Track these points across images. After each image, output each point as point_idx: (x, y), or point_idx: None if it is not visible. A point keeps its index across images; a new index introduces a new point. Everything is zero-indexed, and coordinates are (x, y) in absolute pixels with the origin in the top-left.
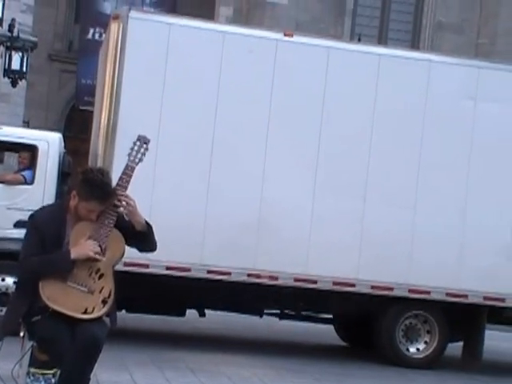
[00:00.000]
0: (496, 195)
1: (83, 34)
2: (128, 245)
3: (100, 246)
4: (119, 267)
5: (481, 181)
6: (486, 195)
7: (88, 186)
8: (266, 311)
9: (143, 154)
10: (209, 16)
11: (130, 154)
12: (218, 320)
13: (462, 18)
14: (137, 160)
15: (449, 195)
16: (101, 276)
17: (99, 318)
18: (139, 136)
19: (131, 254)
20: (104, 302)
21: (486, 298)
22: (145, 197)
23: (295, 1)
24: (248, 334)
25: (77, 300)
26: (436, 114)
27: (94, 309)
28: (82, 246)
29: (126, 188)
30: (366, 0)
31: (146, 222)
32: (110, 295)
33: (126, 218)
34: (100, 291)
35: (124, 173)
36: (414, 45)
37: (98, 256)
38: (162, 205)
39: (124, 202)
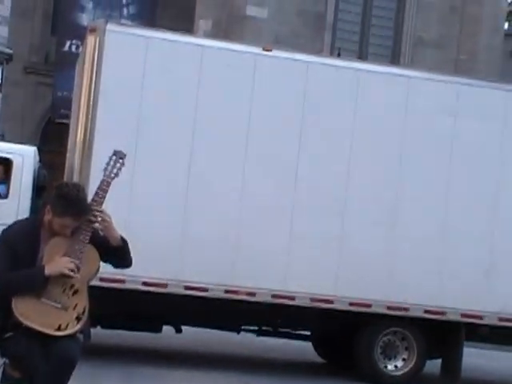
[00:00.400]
0: (475, 212)
1: (60, 46)
2: (103, 261)
3: (75, 262)
4: (95, 283)
5: (460, 198)
6: (466, 212)
7: (63, 201)
8: (243, 327)
9: (119, 169)
10: (188, 29)
11: (105, 169)
12: (194, 336)
13: (442, 33)
14: (112, 175)
15: (428, 212)
16: (75, 292)
17: (73, 335)
18: (115, 151)
19: (108, 269)
20: (78, 318)
21: (464, 316)
22: (121, 212)
23: (275, 15)
24: (225, 351)
25: (50, 316)
26: (415, 130)
27: (67, 325)
28: (56, 262)
29: (101, 203)
30: (346, 15)
31: (122, 237)
32: (84, 312)
33: (102, 234)
34: (74, 308)
35: (100, 188)
36: (394, 60)
37: (72, 274)
38: (139, 220)
39: (99, 218)
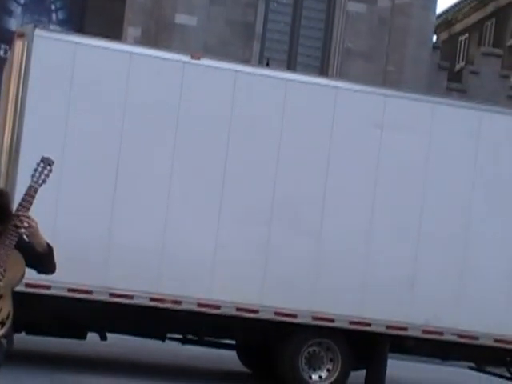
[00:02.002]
0: (400, 224)
1: None
2: (27, 266)
3: (0, 267)
4: (21, 288)
5: (385, 208)
6: (390, 223)
7: None
8: (168, 336)
9: (47, 176)
10: (117, 36)
11: (33, 176)
12: (119, 344)
13: (371, 45)
14: (40, 181)
15: (354, 223)
16: None
17: None
18: (43, 157)
19: (32, 275)
20: (2, 323)
21: (388, 327)
22: (48, 218)
23: (204, 23)
24: (150, 359)
25: None
26: (342, 141)
27: None
28: None
29: (28, 209)
30: (275, 24)
31: (48, 243)
32: (8, 317)
33: (27, 239)
34: None
35: (26, 193)
36: (323, 70)
37: None
38: (64, 226)
39: (25, 223)
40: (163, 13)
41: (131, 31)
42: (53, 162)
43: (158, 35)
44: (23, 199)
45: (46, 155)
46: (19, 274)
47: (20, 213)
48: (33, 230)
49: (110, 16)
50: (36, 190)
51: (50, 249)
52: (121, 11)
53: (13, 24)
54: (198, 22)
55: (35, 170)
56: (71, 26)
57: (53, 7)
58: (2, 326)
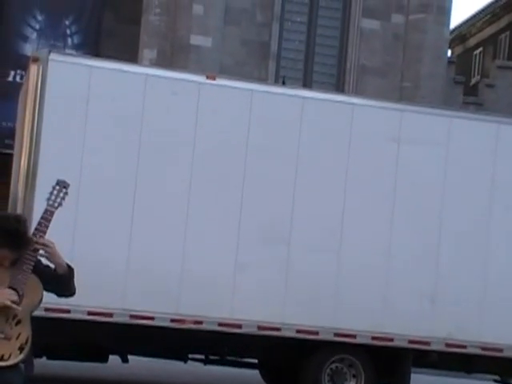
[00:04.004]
0: (420, 239)
1: (4, 77)
2: (46, 290)
3: (18, 292)
4: (41, 313)
5: (405, 224)
6: (410, 239)
7: (2, 233)
8: (190, 356)
9: (62, 199)
10: (133, 59)
11: (48, 199)
12: (141, 366)
13: (386, 61)
14: (56, 204)
15: (373, 239)
16: (18, 322)
17: (15, 365)
18: (58, 180)
19: (52, 299)
20: (21, 348)
21: (410, 342)
22: (66, 241)
23: (219, 44)
24: (172, 380)
25: None
26: (359, 156)
27: (10, 355)
28: None
29: (44, 232)
30: (290, 43)
31: (68, 264)
32: (27, 342)
33: (44, 262)
34: (17, 337)
35: (43, 217)
36: (339, 88)
37: (14, 306)
38: (83, 249)
39: (42, 246)
40: (178, 34)
41: (147, 53)
42: (68, 185)
43: (173, 57)
44: (39, 223)
45: (61, 178)
46: (37, 299)
47: (36, 237)
48: (50, 249)
49: (126, 39)
50: (52, 214)
51: (70, 270)
52: (136, 34)
53: (28, 49)
54: (213, 43)
55: (51, 193)
56: (87, 49)
57: (68, 32)
58: (21, 352)
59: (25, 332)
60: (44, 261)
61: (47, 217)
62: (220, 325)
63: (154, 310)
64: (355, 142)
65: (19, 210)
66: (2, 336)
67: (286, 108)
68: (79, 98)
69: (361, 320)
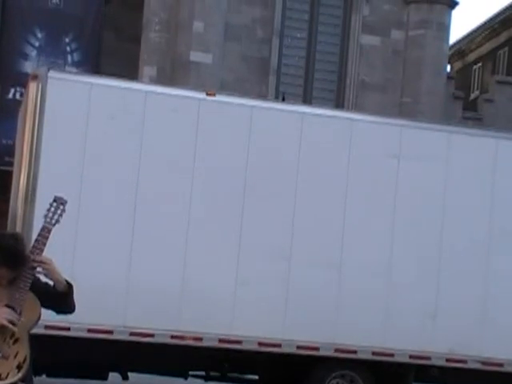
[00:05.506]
0: (420, 254)
1: (4, 94)
2: (45, 307)
3: (15, 311)
4: (40, 331)
5: (405, 240)
6: (411, 254)
7: None
8: (191, 373)
9: (60, 215)
10: (133, 76)
11: (46, 216)
12: (142, 383)
13: (386, 77)
14: (53, 221)
15: (374, 255)
16: (16, 341)
17: None
18: (55, 197)
19: (51, 316)
20: (19, 367)
21: (411, 357)
22: (66, 258)
23: (219, 60)
24: None
25: None
26: (359, 172)
27: (8, 374)
28: None
29: (41, 250)
30: (290, 59)
31: (67, 281)
32: (25, 360)
33: (43, 279)
34: (15, 356)
35: (40, 234)
36: (339, 104)
37: (10, 326)
38: (83, 266)
39: (40, 264)
40: (178, 51)
41: (147, 70)
42: (66, 202)
43: (173, 73)
44: (36, 240)
45: (58, 195)
46: (35, 317)
47: (34, 254)
48: (48, 266)
49: (126, 56)
50: (49, 231)
51: (69, 286)
52: (136, 51)
53: (28, 67)
54: (213, 59)
55: (48, 210)
56: (87, 67)
57: (68, 49)
58: (19, 370)
59: (23, 350)
60: (43, 278)
61: (44, 234)
62: (220, 341)
63: (154, 326)
64: (355, 157)
65: (19, 227)
66: (0, 355)
67: (286, 124)
68: (79, 115)
69: (361, 335)
